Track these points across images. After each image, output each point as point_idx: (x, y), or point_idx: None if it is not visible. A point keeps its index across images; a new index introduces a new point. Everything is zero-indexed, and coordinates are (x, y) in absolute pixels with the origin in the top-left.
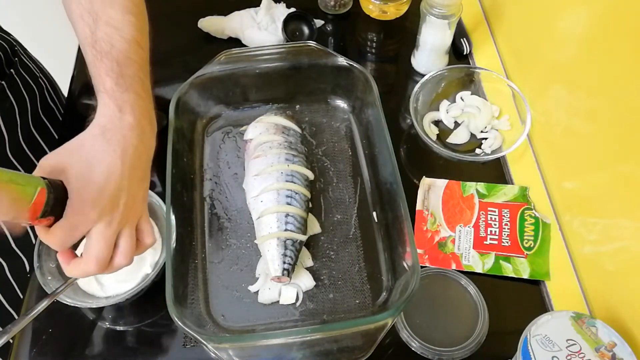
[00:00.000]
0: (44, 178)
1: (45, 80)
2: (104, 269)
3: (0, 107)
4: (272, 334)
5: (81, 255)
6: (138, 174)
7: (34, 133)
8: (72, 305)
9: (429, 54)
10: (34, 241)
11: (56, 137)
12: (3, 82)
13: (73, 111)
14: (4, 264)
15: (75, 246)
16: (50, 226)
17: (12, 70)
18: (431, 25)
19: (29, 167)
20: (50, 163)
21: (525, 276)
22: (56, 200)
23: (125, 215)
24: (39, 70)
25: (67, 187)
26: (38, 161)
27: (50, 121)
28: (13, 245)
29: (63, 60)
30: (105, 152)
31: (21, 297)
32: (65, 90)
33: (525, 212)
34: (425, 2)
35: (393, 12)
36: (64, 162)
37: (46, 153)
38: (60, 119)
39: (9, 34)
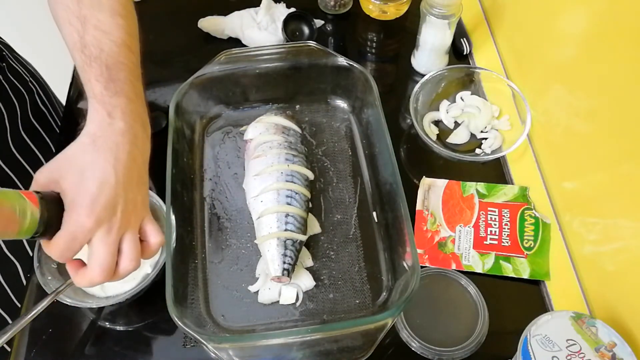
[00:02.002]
0: (37, 192)
1: (35, 85)
2: (110, 277)
3: None
4: (272, 334)
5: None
6: (134, 178)
7: (25, 139)
8: (72, 305)
9: (429, 54)
10: (27, 246)
11: (49, 142)
12: None
13: (71, 117)
14: None
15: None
16: (51, 237)
17: None
18: (431, 25)
19: (21, 174)
20: (45, 176)
21: (525, 276)
22: (52, 213)
23: (125, 220)
24: (29, 75)
25: (63, 198)
26: (30, 167)
27: (42, 126)
28: (5, 250)
29: (62, 65)
30: (96, 161)
31: (15, 301)
32: (60, 95)
33: (525, 212)
34: (425, 2)
35: (393, 12)
36: (57, 174)
37: (38, 159)
38: (53, 123)
39: None
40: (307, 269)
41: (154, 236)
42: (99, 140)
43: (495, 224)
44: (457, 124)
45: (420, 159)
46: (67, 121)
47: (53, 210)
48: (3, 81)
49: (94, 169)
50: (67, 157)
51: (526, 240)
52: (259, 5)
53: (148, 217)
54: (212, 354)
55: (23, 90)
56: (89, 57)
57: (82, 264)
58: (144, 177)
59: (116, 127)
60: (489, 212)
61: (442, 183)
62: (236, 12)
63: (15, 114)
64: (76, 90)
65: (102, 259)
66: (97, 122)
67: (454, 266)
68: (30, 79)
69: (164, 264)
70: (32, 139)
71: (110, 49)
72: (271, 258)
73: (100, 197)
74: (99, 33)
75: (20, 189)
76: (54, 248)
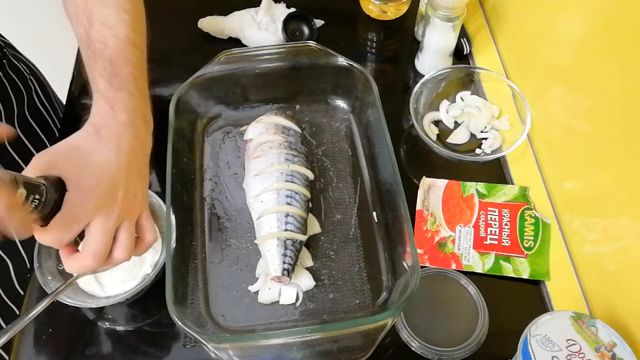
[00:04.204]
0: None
1: (34, 82)
2: (102, 264)
3: None
4: (272, 334)
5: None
6: (135, 169)
7: (21, 137)
8: (72, 305)
9: (433, 57)
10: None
11: (45, 139)
12: None
13: (73, 113)
14: (9, 263)
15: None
16: (45, 224)
17: None
18: (435, 28)
19: (17, 170)
20: (44, 159)
21: (525, 276)
22: (52, 195)
23: (125, 209)
24: (28, 72)
25: (65, 182)
26: (24, 164)
27: (38, 124)
28: (19, 244)
29: (64, 63)
30: (100, 148)
31: (22, 295)
32: (60, 93)
33: (525, 212)
34: (429, 5)
35: (393, 12)
36: (60, 157)
37: (33, 156)
38: (50, 121)
39: None
40: (307, 269)
41: (149, 233)
42: (102, 130)
43: (495, 224)
44: (457, 124)
45: (420, 159)
46: (69, 118)
47: (53, 193)
48: (2, 78)
49: (97, 155)
50: (70, 143)
51: (526, 240)
52: (259, 5)
53: (146, 213)
54: (212, 354)
55: (22, 87)
56: (94, 52)
57: (74, 249)
58: (145, 171)
59: (118, 120)
60: (489, 212)
61: (442, 183)
62: (236, 12)
63: (12, 111)
64: (77, 87)
65: (97, 245)
66: (100, 114)
67: (454, 266)
68: (30, 76)
69: (164, 264)
70: (28, 136)
71: (115, 44)
72: (271, 258)
73: (102, 181)
74: (104, 28)
75: None
76: (51, 232)
